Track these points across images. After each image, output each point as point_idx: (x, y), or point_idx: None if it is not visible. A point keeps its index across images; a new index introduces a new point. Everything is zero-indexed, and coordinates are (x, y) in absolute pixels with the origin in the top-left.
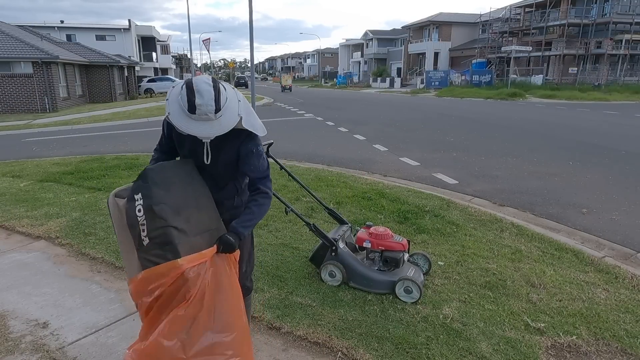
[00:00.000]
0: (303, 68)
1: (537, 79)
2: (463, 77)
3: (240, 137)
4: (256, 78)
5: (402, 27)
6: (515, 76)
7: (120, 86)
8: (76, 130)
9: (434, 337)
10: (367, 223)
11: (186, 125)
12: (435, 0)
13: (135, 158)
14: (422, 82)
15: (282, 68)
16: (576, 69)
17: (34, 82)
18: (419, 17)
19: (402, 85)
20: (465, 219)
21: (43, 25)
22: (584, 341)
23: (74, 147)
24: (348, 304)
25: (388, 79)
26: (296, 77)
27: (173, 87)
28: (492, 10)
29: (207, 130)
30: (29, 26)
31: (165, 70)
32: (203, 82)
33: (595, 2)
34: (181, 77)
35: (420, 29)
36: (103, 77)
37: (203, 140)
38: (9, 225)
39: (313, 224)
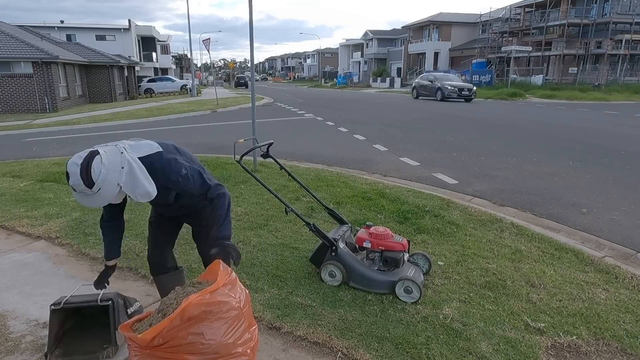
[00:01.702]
0: (303, 68)
1: (537, 79)
2: (463, 77)
3: (158, 179)
4: (256, 80)
5: (402, 27)
6: (515, 76)
7: (120, 86)
8: (76, 130)
9: (434, 337)
10: (367, 223)
11: (78, 198)
12: (435, 0)
13: None
14: None
15: (282, 68)
16: (576, 69)
17: (34, 82)
18: (419, 17)
19: (402, 85)
20: (465, 219)
21: (43, 25)
22: (584, 341)
23: (74, 147)
24: (348, 304)
25: (388, 79)
26: (296, 77)
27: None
28: (492, 10)
29: (89, 202)
30: (29, 26)
31: (165, 70)
32: (72, 163)
33: (595, 2)
34: (181, 77)
35: (420, 29)
36: (103, 77)
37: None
38: (9, 225)
39: (313, 224)
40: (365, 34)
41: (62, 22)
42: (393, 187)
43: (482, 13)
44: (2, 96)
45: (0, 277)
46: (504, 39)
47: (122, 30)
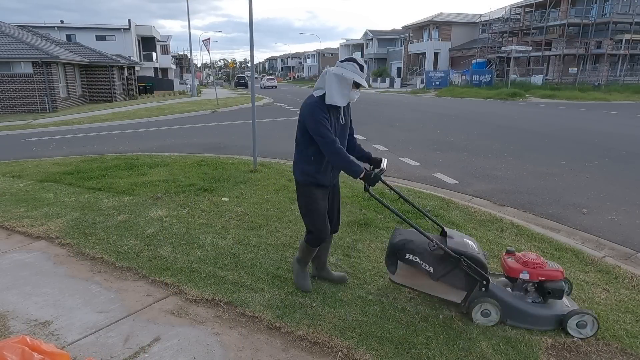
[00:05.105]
0: (303, 68)
1: (537, 79)
2: (463, 77)
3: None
4: (256, 78)
5: (402, 27)
6: (515, 76)
7: (120, 86)
8: (76, 130)
9: (434, 337)
10: (509, 248)
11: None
12: (435, 0)
13: (135, 158)
14: (422, 82)
15: (282, 68)
16: (576, 69)
17: (34, 82)
18: (419, 17)
19: (402, 85)
20: (465, 219)
21: (43, 25)
22: (584, 341)
23: (74, 147)
24: (348, 304)
25: (388, 79)
26: (296, 77)
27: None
28: (492, 10)
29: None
30: (29, 26)
31: (165, 71)
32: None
33: (595, 2)
34: (181, 77)
35: (420, 29)
36: (103, 77)
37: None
38: (9, 225)
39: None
40: (365, 33)
41: (62, 22)
42: (393, 187)
43: (482, 13)
44: (2, 96)
45: (0, 277)
46: (504, 39)
47: (122, 30)
